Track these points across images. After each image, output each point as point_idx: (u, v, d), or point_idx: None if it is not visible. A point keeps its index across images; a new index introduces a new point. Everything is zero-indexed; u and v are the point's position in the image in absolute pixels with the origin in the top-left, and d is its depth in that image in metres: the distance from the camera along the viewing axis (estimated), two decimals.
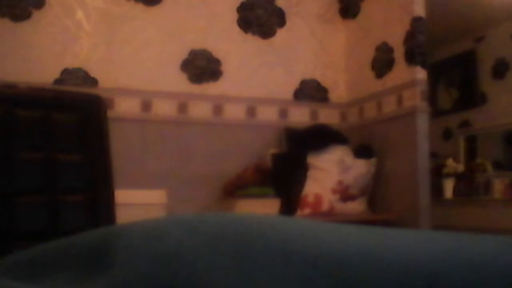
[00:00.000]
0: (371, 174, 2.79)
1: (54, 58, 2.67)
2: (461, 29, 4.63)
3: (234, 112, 2.98)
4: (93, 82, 2.72)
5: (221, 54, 2.97)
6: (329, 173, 2.70)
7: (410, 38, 2.67)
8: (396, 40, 2.76)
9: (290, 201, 2.70)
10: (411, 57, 2.65)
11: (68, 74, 2.68)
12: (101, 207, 1.26)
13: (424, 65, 2.64)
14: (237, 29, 3.03)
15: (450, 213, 4.03)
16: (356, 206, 2.74)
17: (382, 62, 2.88)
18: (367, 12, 3.06)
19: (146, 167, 2.76)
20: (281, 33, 3.12)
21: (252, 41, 3.05)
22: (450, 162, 4.39)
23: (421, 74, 2.63)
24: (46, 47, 2.66)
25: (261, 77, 3.05)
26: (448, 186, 4.32)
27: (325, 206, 2.66)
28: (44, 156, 1.21)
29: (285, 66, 3.11)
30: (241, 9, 3.04)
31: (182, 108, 2.88)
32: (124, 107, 2.76)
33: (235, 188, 2.72)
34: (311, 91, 3.15)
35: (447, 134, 5.04)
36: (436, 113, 4.75)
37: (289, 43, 3.13)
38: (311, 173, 2.75)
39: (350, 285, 0.38)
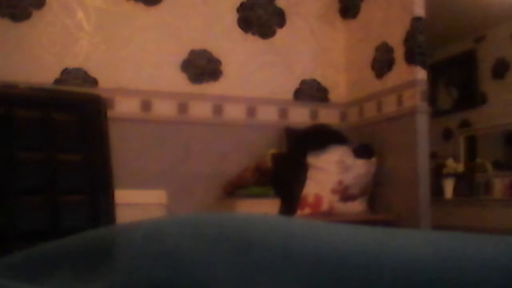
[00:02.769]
0: (371, 174, 2.79)
1: (54, 58, 2.67)
2: (461, 29, 4.63)
3: (234, 112, 2.98)
4: (93, 82, 2.72)
5: (221, 54, 2.97)
6: (329, 173, 2.70)
7: (410, 38, 2.67)
8: (396, 40, 2.76)
9: (290, 201, 2.70)
10: (411, 57, 2.65)
11: (68, 74, 2.68)
12: (101, 207, 1.26)
13: (424, 65, 2.64)
14: (237, 29, 3.03)
15: (450, 213, 4.03)
16: (356, 206, 2.74)
17: (382, 62, 2.88)
18: (367, 12, 3.06)
19: (146, 167, 2.76)
20: (281, 33, 3.11)
21: (252, 41, 3.05)
22: (450, 162, 4.39)
23: (421, 74, 2.63)
24: (46, 47, 2.66)
25: (261, 77, 3.05)
26: (448, 186, 4.32)
27: (325, 206, 2.66)
28: (44, 156, 1.21)
29: (285, 66, 3.11)
30: (241, 9, 3.04)
31: (182, 108, 2.88)
32: (124, 107, 2.76)
33: (235, 188, 2.72)
34: (311, 91, 3.15)
35: (447, 134, 5.03)
36: (436, 113, 4.75)
37: (289, 43, 3.13)
38: (311, 173, 2.75)
39: (350, 285, 0.38)
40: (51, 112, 1.23)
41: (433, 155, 3.04)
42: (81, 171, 1.25)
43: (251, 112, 3.01)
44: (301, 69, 3.14)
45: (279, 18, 3.12)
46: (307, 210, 2.67)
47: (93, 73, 2.73)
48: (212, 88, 2.94)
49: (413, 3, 2.64)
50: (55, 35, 2.68)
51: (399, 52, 2.75)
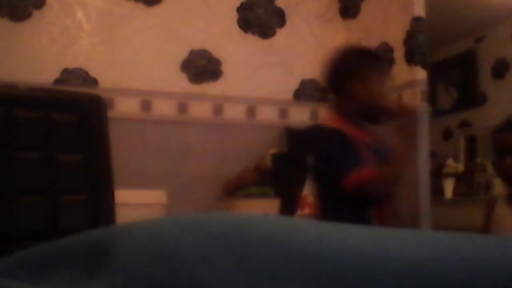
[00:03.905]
0: None
1: (54, 58, 2.67)
2: (461, 29, 4.63)
3: (234, 112, 2.98)
4: (93, 82, 2.72)
5: (221, 54, 2.97)
6: None
7: (410, 38, 2.67)
8: (396, 40, 2.76)
9: (290, 201, 2.70)
10: (411, 57, 2.65)
11: (68, 74, 2.68)
12: (101, 207, 1.26)
13: (424, 65, 2.64)
14: (237, 29, 3.03)
15: (450, 213, 4.03)
16: None
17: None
18: (367, 12, 3.06)
19: (146, 167, 2.76)
20: (281, 33, 3.11)
21: (252, 41, 3.05)
22: (450, 162, 4.39)
23: (421, 74, 2.63)
24: (46, 47, 2.66)
25: (261, 77, 3.05)
26: (448, 186, 4.31)
27: None
28: (44, 156, 1.21)
29: (285, 66, 3.10)
30: (241, 9, 3.04)
31: (182, 108, 2.88)
32: (124, 107, 2.76)
33: (235, 188, 2.72)
34: (311, 91, 3.15)
35: (447, 134, 5.03)
36: (436, 113, 4.74)
37: (289, 43, 3.13)
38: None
39: (350, 285, 0.38)
40: (51, 112, 1.23)
41: (433, 155, 3.03)
42: (81, 171, 1.25)
43: (251, 112, 3.01)
44: (301, 69, 3.14)
45: (279, 18, 3.12)
46: (307, 210, 2.67)
47: (93, 73, 2.73)
48: (212, 88, 2.94)
49: (413, 3, 2.64)
50: (55, 35, 2.68)
51: (399, 52, 2.74)
